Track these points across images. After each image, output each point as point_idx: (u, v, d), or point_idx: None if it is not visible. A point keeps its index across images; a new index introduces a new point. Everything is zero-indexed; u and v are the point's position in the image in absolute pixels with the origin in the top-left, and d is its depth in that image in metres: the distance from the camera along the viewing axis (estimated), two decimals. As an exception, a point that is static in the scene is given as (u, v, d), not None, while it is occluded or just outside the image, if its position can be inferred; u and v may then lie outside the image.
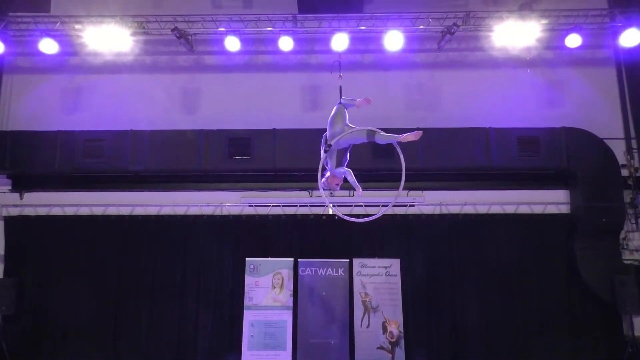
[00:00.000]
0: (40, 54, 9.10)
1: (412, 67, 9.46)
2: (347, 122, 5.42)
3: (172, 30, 8.71)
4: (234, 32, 8.87)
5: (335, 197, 8.34)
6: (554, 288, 8.64)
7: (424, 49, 9.41)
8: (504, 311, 8.59)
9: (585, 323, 8.51)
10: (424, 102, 9.38)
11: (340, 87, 5.72)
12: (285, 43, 8.92)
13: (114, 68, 9.44)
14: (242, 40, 8.93)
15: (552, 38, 9.07)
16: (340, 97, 5.58)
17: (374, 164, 8.74)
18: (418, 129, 8.67)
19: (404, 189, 8.93)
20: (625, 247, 8.75)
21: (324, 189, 5.43)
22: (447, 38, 8.86)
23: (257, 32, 9.02)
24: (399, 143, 5.19)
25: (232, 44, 8.90)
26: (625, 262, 8.62)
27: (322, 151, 5.32)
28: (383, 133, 5.19)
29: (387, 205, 5.43)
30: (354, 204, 8.93)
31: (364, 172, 8.83)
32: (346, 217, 5.52)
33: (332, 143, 5.28)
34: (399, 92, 9.42)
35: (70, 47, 9.19)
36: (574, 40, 8.79)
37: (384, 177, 9.02)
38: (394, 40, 8.80)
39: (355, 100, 5.54)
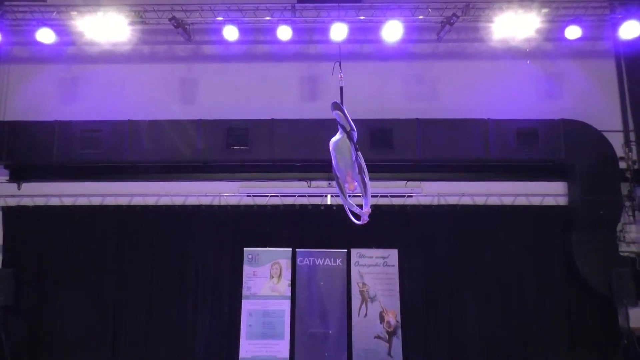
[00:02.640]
0: (37, 43, 9.03)
1: (411, 57, 9.42)
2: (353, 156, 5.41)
3: (170, 19, 8.65)
4: (232, 22, 8.80)
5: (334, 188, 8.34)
6: (550, 279, 8.67)
7: (423, 40, 9.36)
8: (501, 301, 8.63)
9: (582, 314, 8.57)
10: (422, 93, 9.35)
11: (341, 88, 5.63)
12: (284, 33, 8.86)
13: (111, 58, 9.37)
14: (240, 30, 8.87)
15: (551, 30, 9.02)
16: (341, 100, 5.49)
17: (372, 154, 8.71)
18: (416, 119, 8.86)
19: (402, 179, 9.11)
20: (622, 239, 8.78)
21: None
22: (446, 29, 8.80)
23: (256, 22, 8.95)
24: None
25: (231, 33, 8.85)
26: (621, 254, 8.66)
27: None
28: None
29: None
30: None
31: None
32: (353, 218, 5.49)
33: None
34: (397, 82, 9.39)
35: (67, 37, 9.10)
36: (573, 32, 8.76)
37: (382, 168, 9.03)
38: (393, 31, 8.76)
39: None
